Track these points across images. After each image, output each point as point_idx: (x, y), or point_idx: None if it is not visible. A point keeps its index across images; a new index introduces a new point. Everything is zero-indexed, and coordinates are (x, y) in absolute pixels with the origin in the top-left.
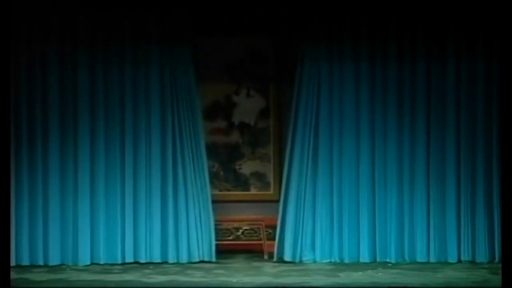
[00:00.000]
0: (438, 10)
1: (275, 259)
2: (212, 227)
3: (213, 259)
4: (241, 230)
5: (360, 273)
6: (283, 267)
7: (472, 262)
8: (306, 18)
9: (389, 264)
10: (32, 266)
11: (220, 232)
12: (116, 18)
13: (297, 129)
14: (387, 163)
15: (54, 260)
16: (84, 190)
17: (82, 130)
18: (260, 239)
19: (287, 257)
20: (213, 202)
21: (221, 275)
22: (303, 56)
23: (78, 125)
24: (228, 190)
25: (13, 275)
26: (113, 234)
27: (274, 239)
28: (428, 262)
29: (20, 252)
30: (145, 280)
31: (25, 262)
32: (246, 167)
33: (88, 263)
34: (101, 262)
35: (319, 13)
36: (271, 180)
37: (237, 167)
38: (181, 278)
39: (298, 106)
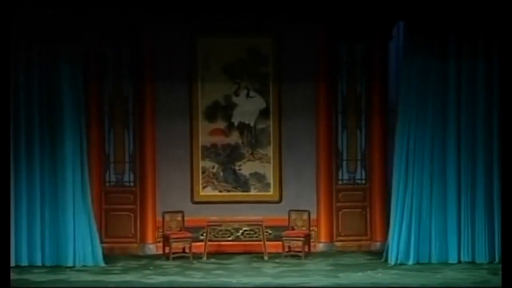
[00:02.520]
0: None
1: (383, 259)
2: (96, 235)
3: (101, 264)
4: (241, 231)
5: (360, 273)
6: (283, 268)
7: (472, 263)
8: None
9: (389, 265)
10: (32, 266)
11: (220, 233)
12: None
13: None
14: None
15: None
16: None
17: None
18: (260, 240)
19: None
20: (213, 203)
21: (221, 275)
22: (409, 53)
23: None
24: (228, 191)
25: (13, 275)
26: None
27: (273, 239)
28: (428, 263)
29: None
30: (145, 280)
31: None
32: (246, 168)
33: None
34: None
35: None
36: (271, 181)
37: (236, 168)
38: (181, 279)
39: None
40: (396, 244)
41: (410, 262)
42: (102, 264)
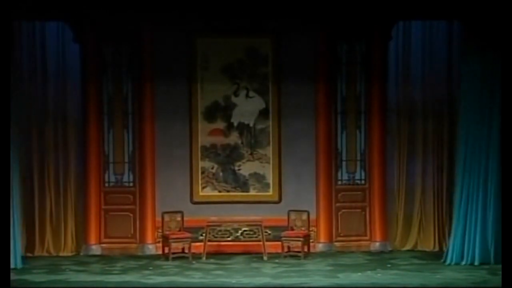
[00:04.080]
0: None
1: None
2: (19, 237)
3: (18, 266)
4: (240, 231)
5: (359, 274)
6: (282, 268)
7: (472, 263)
8: None
9: (388, 265)
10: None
11: (219, 233)
12: None
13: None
14: None
15: None
16: None
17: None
18: (259, 240)
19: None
20: (213, 203)
21: (220, 275)
22: (467, 52)
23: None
24: (227, 191)
25: (12, 275)
26: None
27: (273, 240)
28: (428, 263)
29: None
30: (144, 280)
31: None
32: (245, 168)
33: None
34: None
35: None
36: (270, 181)
37: (236, 168)
38: (180, 279)
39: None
40: (452, 245)
41: (468, 262)
42: (20, 265)
